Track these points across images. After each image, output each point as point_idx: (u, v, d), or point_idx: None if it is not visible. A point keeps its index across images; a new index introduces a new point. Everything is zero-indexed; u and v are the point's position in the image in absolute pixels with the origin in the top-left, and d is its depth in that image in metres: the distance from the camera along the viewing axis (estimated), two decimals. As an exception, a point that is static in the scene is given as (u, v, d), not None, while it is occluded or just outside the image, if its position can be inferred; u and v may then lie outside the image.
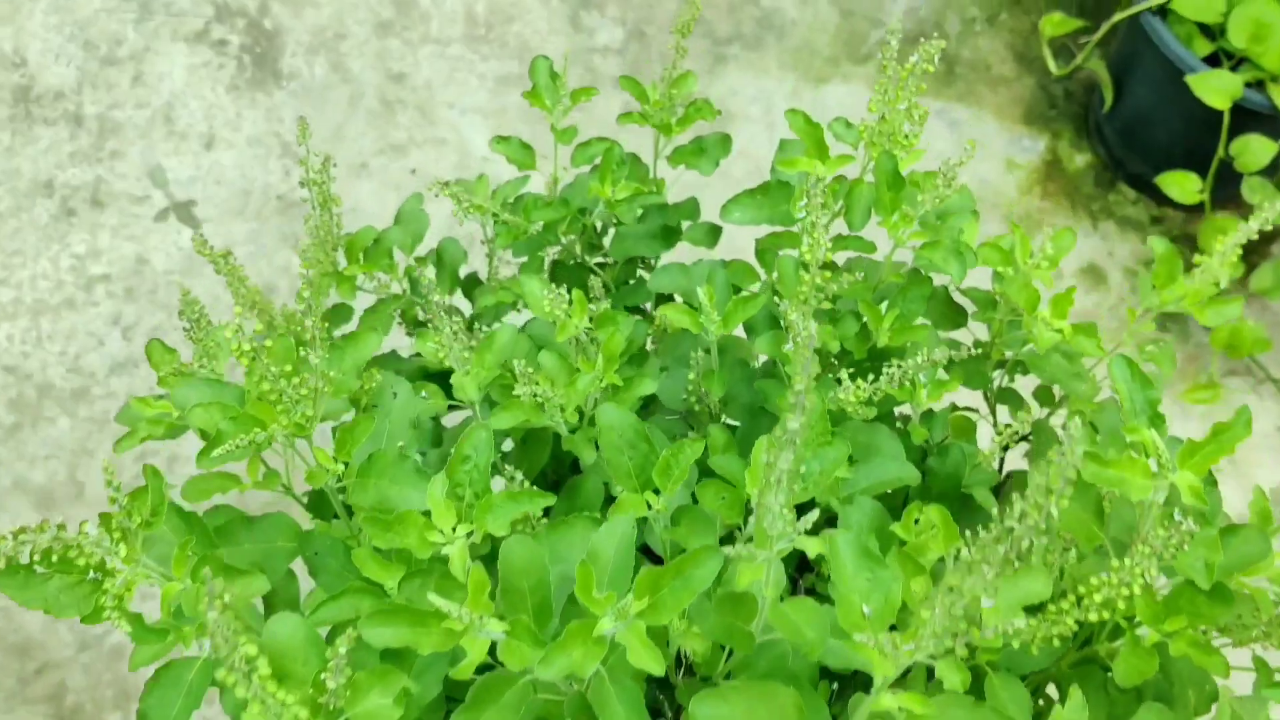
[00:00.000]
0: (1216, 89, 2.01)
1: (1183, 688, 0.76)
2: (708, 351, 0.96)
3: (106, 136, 2.25)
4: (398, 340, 1.43)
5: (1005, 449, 0.99)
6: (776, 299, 0.93)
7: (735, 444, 0.93)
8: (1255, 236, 0.96)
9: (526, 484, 0.78)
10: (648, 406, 1.05)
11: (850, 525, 0.77)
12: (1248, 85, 2.08)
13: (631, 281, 1.27)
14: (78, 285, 2.12)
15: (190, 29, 2.39)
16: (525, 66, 2.40)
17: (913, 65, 0.92)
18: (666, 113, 1.21)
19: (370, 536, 0.64)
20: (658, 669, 0.63)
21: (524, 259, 1.22)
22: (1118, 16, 2.19)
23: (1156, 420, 0.75)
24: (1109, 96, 2.35)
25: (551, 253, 1.25)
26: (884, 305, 0.95)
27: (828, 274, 0.88)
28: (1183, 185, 2.12)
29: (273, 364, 0.71)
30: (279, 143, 2.28)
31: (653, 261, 1.25)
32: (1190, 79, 2.03)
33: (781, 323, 0.94)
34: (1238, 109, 2.07)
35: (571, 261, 1.25)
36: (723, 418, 1.00)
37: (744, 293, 0.95)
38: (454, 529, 0.67)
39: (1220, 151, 2.09)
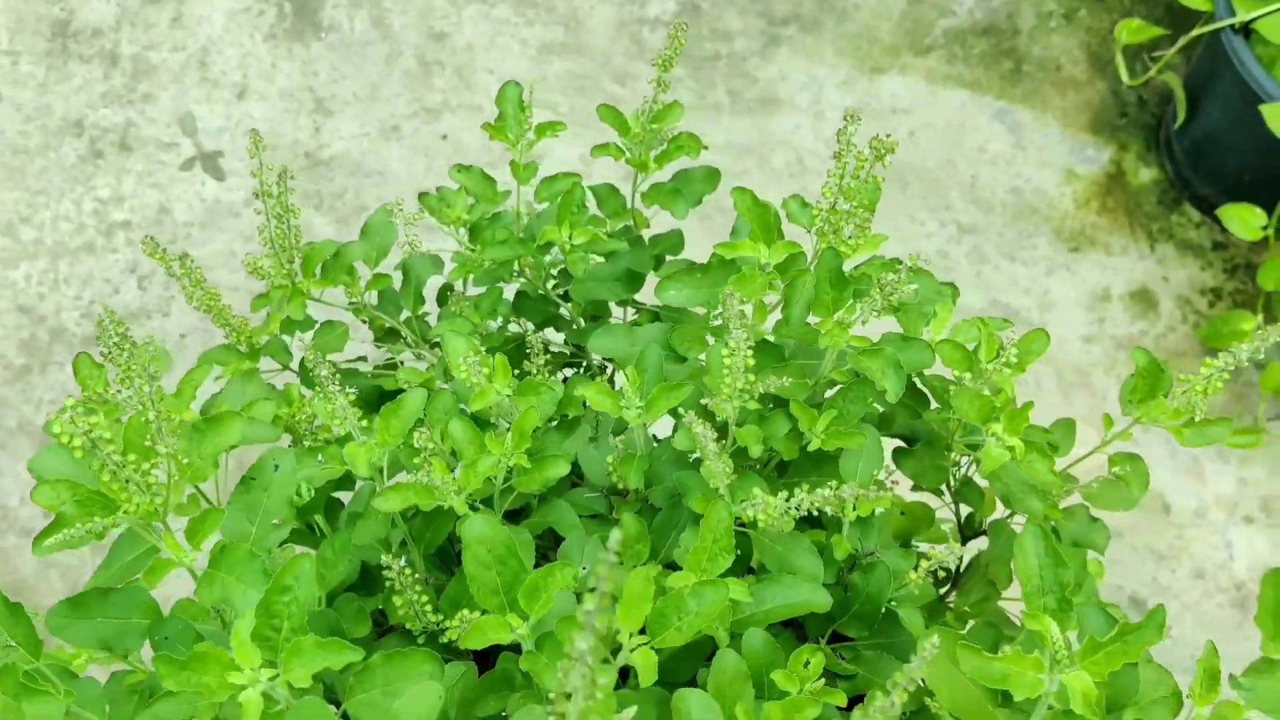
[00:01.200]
0: (1290, 122, 1.88)
1: None
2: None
3: (140, 78, 2.22)
4: (365, 348, 1.39)
5: (935, 574, 0.92)
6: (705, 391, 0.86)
7: (649, 534, 0.88)
8: (1242, 364, 0.87)
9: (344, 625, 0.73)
10: (578, 475, 1.00)
11: (724, 669, 0.71)
12: (1328, 117, 1.93)
13: (600, 317, 1.21)
14: (99, 230, 2.11)
15: (234, -28, 2.34)
16: (570, 35, 2.33)
17: (863, 155, 0.83)
18: (645, 147, 1.14)
19: (161, 676, 0.60)
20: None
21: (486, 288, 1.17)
22: (1197, 30, 2.04)
23: (1064, 606, 0.67)
24: (1181, 112, 2.21)
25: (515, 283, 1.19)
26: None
27: (751, 377, 0.81)
28: (1245, 220, 1.99)
29: (114, 452, 0.67)
30: (312, 98, 2.24)
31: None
32: (1265, 108, 1.89)
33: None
34: (1314, 141, 1.93)
35: (537, 293, 1.19)
36: (649, 499, 0.95)
37: (673, 379, 0.88)
38: (257, 671, 0.63)
39: (1291, 187, 1.96)
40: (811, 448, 0.87)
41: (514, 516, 0.96)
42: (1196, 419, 0.90)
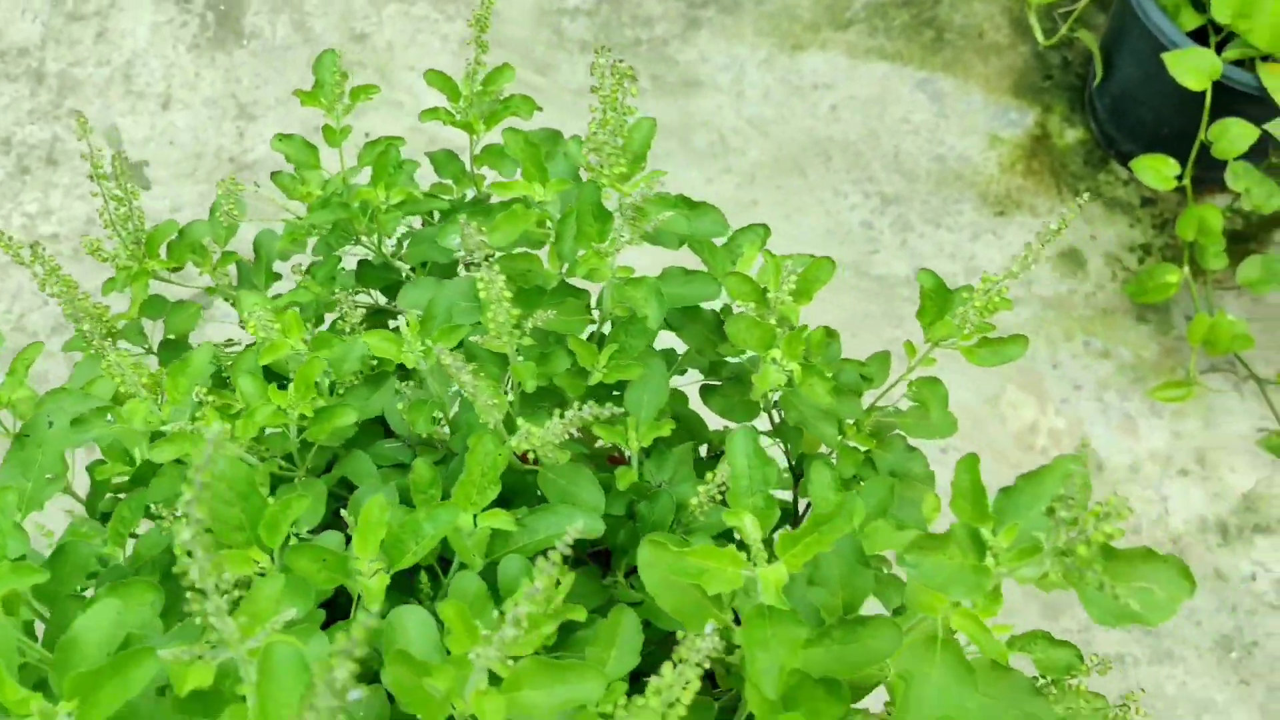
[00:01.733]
0: (1194, 68, 1.87)
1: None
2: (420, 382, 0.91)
3: (66, 94, 2.25)
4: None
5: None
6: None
7: (441, 479, 0.88)
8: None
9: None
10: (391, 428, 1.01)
11: (462, 591, 0.72)
12: (1235, 63, 1.92)
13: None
14: (27, 244, 2.14)
15: (157, -15, 2.37)
16: (491, 28, 2.34)
17: (621, 68, 0.84)
18: (475, 110, 1.15)
19: None
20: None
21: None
22: (1100, -14, 2.04)
23: (769, 505, 0.68)
24: (1099, 70, 2.20)
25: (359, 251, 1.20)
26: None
27: (515, 311, 0.82)
28: (1158, 170, 1.98)
29: None
30: (235, 104, 2.26)
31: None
32: (1167, 57, 1.89)
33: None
34: (1223, 89, 1.92)
35: (380, 260, 1.20)
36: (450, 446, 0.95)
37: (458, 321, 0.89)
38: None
39: (1201, 134, 1.95)
40: (592, 381, 0.88)
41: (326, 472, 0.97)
42: (990, 338, 0.90)
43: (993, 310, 0.89)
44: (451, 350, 0.85)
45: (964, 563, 0.60)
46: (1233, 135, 1.88)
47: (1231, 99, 1.93)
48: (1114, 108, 2.20)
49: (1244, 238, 2.23)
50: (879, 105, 2.32)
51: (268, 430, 0.92)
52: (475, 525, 0.79)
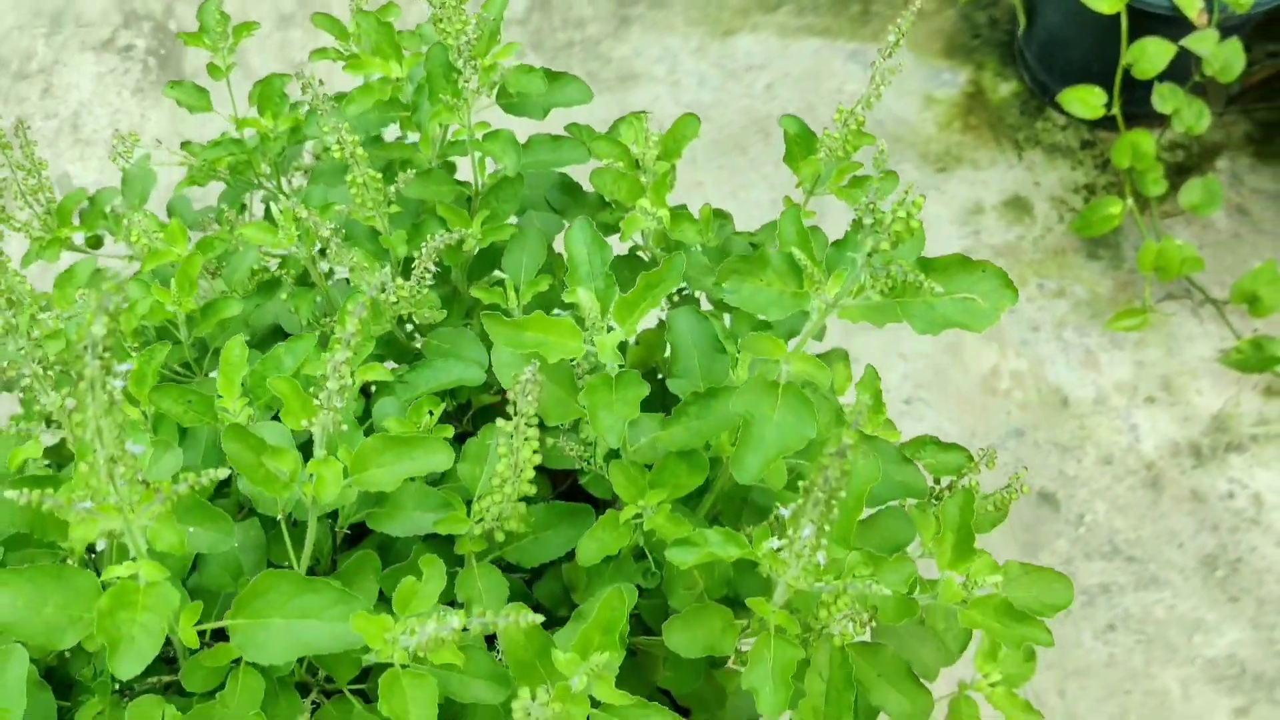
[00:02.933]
0: (1103, -6, 1.90)
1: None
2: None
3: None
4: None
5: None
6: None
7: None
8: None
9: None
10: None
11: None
12: (1147, -13, 1.95)
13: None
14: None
15: (98, 38, 2.43)
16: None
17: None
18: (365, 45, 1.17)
19: None
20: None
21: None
22: (1009, -69, 2.08)
23: (609, 285, 0.68)
24: (1022, 19, 2.23)
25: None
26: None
27: (376, 177, 0.83)
28: (1085, 100, 2.00)
29: None
30: (181, 140, 2.30)
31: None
32: (1078, -14, 1.92)
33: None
34: (1140, 14, 1.95)
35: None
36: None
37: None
38: None
39: (1123, 60, 1.97)
40: (467, 247, 0.89)
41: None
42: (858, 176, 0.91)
43: (855, 146, 0.90)
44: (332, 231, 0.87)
45: (783, 289, 0.61)
46: (1151, 53, 1.90)
47: (1149, 23, 1.96)
48: (1042, 54, 2.23)
49: (1186, 169, 2.24)
50: (813, 80, 2.35)
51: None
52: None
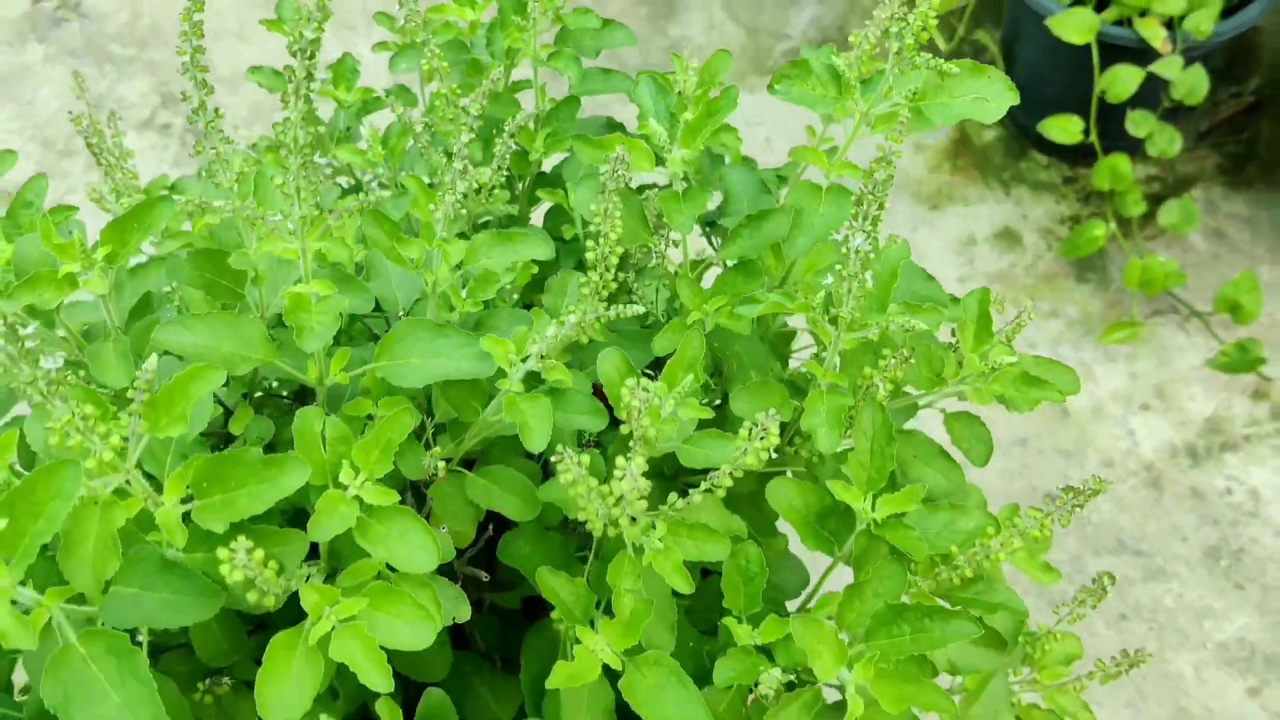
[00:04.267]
0: (1074, 26, 2.06)
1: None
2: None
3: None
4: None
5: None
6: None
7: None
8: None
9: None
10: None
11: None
12: (1116, 23, 2.12)
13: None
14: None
15: (138, 118, 2.59)
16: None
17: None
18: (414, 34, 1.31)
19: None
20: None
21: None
22: (984, -19, 2.26)
23: (673, 120, 0.80)
24: (1000, 64, 2.40)
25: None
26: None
27: (456, 90, 0.96)
28: (1064, 128, 2.15)
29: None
30: (218, 206, 2.44)
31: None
32: (1049, 21, 2.09)
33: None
34: (1110, 48, 2.11)
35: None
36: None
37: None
38: None
39: (1096, 89, 2.13)
40: (532, 159, 1.01)
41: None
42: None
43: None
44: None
45: (825, 92, 0.73)
46: (1122, 79, 2.06)
47: (1118, 56, 2.12)
48: (1022, 99, 2.39)
49: (1163, 199, 2.39)
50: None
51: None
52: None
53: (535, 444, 0.67)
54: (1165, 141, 2.16)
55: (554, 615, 0.74)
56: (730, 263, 0.79)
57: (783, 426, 0.80)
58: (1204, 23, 2.01)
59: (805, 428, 0.71)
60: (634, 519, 0.67)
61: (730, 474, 0.66)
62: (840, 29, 2.66)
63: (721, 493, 0.67)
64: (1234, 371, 2.10)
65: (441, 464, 0.73)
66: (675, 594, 0.78)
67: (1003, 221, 2.38)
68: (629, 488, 0.61)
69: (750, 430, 0.63)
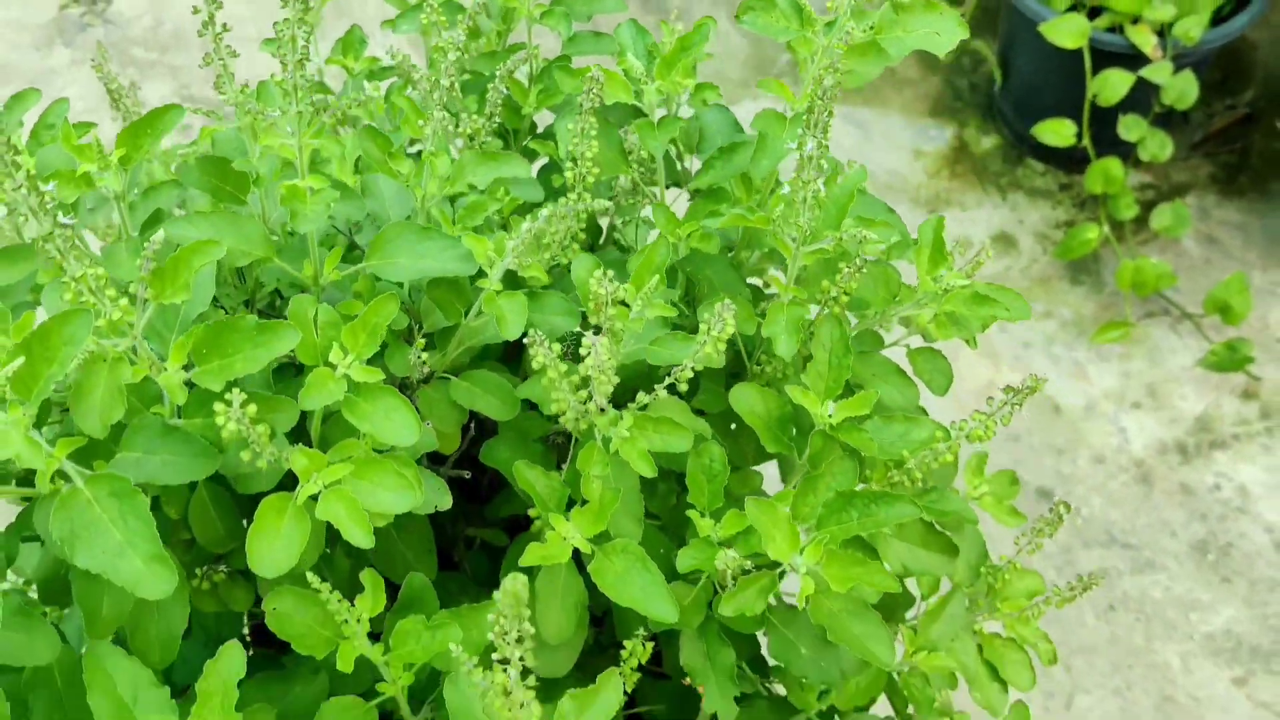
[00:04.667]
0: (1067, 31, 2.12)
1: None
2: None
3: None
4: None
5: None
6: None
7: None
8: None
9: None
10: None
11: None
12: (1108, 30, 2.18)
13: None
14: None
15: (160, 119, 2.66)
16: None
17: None
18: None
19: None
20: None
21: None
22: (981, -10, 2.32)
23: (650, 58, 0.86)
24: (998, 74, 2.46)
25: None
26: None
27: (454, 42, 1.02)
28: (1057, 131, 2.21)
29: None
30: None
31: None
32: (1042, 26, 2.15)
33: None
34: (1103, 55, 2.17)
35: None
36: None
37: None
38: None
39: (1088, 94, 2.18)
40: (524, 112, 1.07)
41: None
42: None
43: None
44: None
45: (788, 24, 0.78)
46: (1113, 83, 2.12)
47: (1110, 62, 2.18)
48: (1018, 106, 2.45)
49: (1156, 206, 2.44)
50: (811, 138, 2.57)
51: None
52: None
53: (511, 332, 0.72)
54: (1157, 146, 2.21)
55: (531, 513, 0.79)
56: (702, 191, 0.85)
57: (749, 346, 0.85)
58: (1192, 29, 2.06)
59: (765, 334, 0.76)
60: (602, 409, 0.73)
61: (691, 368, 0.72)
62: (843, 41, 2.72)
63: (683, 386, 0.72)
64: (1223, 370, 2.14)
65: (426, 365, 0.79)
66: (650, 515, 0.84)
67: (999, 226, 2.43)
68: (593, 363, 0.66)
69: (709, 323, 0.69)
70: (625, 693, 0.72)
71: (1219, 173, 2.49)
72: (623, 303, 0.73)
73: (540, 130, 1.17)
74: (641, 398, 0.75)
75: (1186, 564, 2.05)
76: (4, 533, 0.70)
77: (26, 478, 0.64)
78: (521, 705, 0.59)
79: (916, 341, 0.95)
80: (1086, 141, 2.22)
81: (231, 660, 0.64)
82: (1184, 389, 2.22)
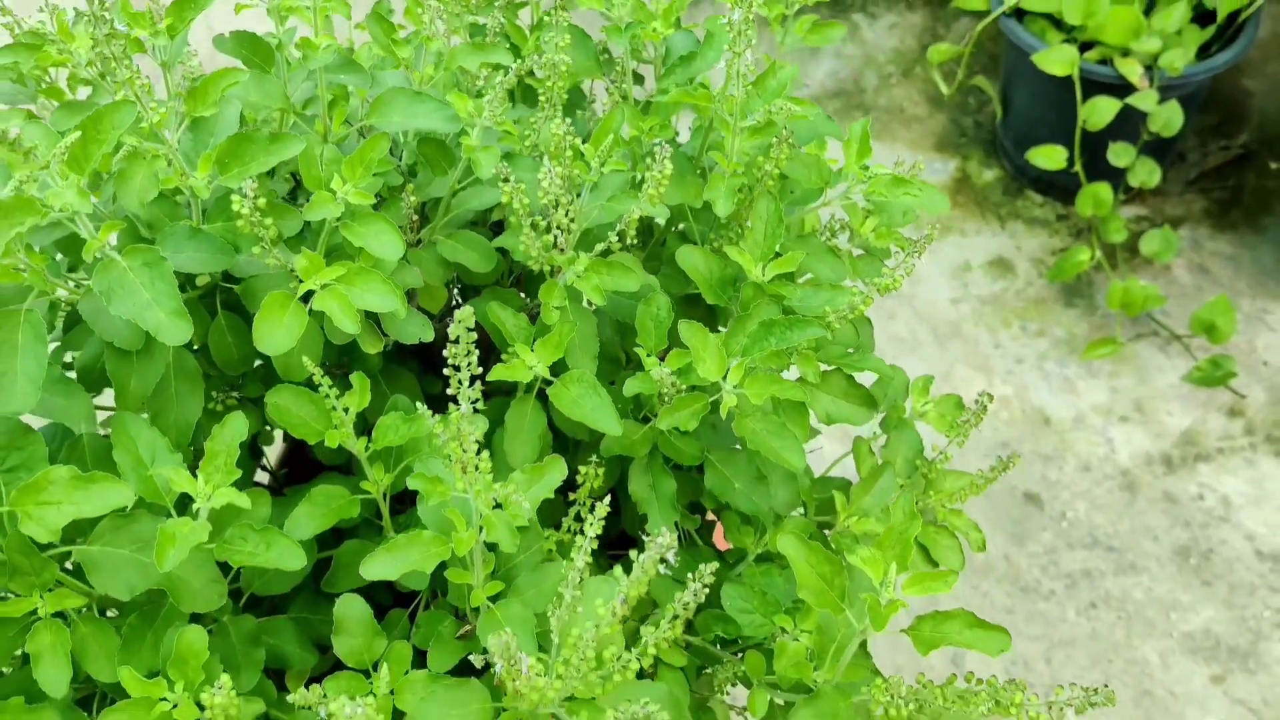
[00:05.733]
0: (1057, 60, 2.26)
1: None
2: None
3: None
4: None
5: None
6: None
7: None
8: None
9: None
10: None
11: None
12: (1099, 62, 2.31)
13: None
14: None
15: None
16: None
17: None
18: None
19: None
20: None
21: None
22: (978, 27, 2.47)
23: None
24: (999, 108, 2.60)
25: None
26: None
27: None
28: (1050, 156, 2.33)
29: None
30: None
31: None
32: (1035, 56, 2.28)
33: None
34: (1093, 85, 2.30)
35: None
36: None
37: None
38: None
39: (1080, 121, 2.31)
40: (525, 53, 1.21)
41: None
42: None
43: None
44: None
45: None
46: (1100, 108, 2.24)
47: (1100, 92, 2.31)
48: (1018, 141, 2.58)
49: (1146, 221, 2.55)
50: (821, 168, 2.71)
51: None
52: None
53: (484, 172, 0.85)
54: (1145, 173, 2.33)
55: (505, 351, 0.91)
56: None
57: (704, 236, 0.97)
58: (1176, 60, 2.19)
59: (706, 198, 0.89)
60: (562, 249, 0.85)
61: (637, 217, 0.84)
62: (856, 82, 2.88)
63: (631, 233, 0.85)
64: (1208, 384, 2.23)
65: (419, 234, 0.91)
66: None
67: (997, 251, 2.55)
68: (548, 185, 0.78)
69: (649, 165, 0.81)
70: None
71: (1212, 207, 2.59)
72: (584, 159, 0.86)
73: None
74: (599, 246, 0.87)
75: (1168, 567, 2.12)
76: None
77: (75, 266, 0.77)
78: (476, 445, 0.71)
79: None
80: (1078, 166, 2.34)
81: (235, 425, 0.76)
82: (1170, 405, 2.31)
